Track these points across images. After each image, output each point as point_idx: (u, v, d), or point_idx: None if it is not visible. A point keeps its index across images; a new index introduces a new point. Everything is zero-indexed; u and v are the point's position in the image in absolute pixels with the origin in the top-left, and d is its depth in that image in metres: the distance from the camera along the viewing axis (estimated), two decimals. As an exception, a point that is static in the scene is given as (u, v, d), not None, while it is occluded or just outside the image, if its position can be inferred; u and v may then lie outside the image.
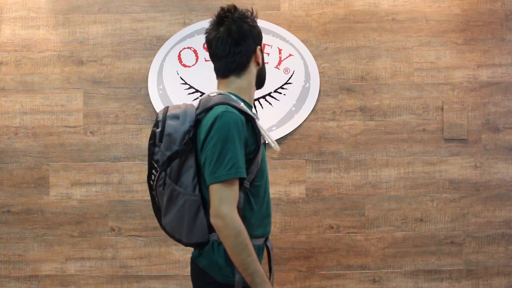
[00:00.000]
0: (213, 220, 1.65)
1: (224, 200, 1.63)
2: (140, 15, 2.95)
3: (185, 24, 2.94)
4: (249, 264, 1.65)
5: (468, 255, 2.88)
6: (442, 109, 2.90)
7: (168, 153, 1.72)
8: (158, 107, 2.88)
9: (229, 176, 1.64)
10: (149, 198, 2.78)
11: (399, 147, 2.90)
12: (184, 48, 2.93)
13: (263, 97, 2.88)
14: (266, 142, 1.91)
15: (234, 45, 1.80)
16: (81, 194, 2.90)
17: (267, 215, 1.86)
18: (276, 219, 2.87)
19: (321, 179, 2.89)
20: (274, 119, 2.88)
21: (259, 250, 1.82)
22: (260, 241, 1.84)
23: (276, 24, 2.92)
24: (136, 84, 2.93)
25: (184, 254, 2.87)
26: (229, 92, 1.82)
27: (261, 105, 2.88)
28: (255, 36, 1.85)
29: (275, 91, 2.90)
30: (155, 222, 2.79)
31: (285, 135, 2.89)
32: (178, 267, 2.88)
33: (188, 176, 1.73)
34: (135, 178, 2.90)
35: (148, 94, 2.91)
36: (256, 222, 1.79)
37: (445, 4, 2.93)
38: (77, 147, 2.91)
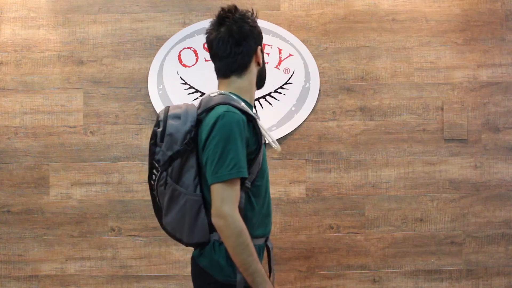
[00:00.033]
0: (214, 220, 1.65)
1: (226, 200, 1.63)
2: (140, 15, 2.95)
3: (185, 24, 2.94)
4: (250, 264, 1.65)
5: (468, 255, 2.88)
6: (442, 109, 2.90)
7: (170, 153, 1.72)
8: (158, 107, 2.88)
9: (231, 176, 1.64)
10: (149, 198, 2.79)
11: (399, 147, 2.90)
12: (184, 48, 2.93)
13: (263, 97, 2.89)
14: (267, 142, 1.91)
15: (235, 46, 1.80)
16: (81, 194, 2.90)
17: (268, 215, 1.86)
18: (276, 219, 2.87)
19: (321, 179, 2.89)
20: (274, 119, 2.88)
21: (259, 250, 1.82)
22: (261, 241, 1.84)
23: (276, 24, 2.92)
24: (136, 84, 2.93)
25: (184, 254, 2.87)
26: (230, 92, 1.82)
27: (261, 105, 2.88)
28: (256, 36, 1.85)
29: (275, 91, 2.90)
30: (155, 222, 2.79)
31: (285, 135, 2.89)
32: (178, 267, 2.88)
33: (189, 176, 1.73)
34: (135, 178, 2.90)
35: (148, 94, 2.91)
36: (257, 222, 1.79)
37: (445, 4, 2.93)
38: (77, 147, 2.91)
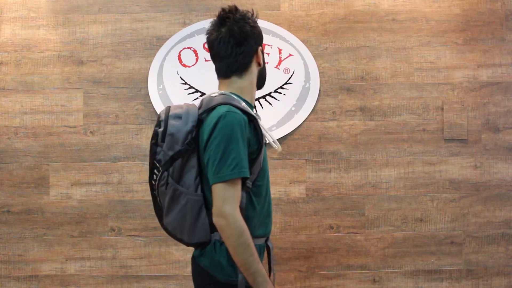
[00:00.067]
0: (215, 220, 1.65)
1: (227, 200, 1.64)
2: (140, 15, 2.95)
3: (185, 24, 2.94)
4: (251, 264, 1.65)
5: (468, 255, 2.88)
6: (442, 109, 2.90)
7: (171, 153, 1.73)
8: (158, 107, 2.88)
9: (233, 175, 1.64)
10: (149, 198, 2.80)
11: (399, 147, 2.90)
12: (184, 48, 2.93)
13: (263, 97, 2.89)
14: (267, 142, 1.91)
15: (236, 46, 1.80)
16: (81, 194, 2.90)
17: (268, 215, 1.87)
18: (276, 219, 2.87)
19: (321, 179, 2.89)
20: (274, 119, 2.89)
21: (260, 250, 1.82)
22: (261, 241, 1.85)
23: (276, 24, 2.92)
24: (136, 84, 2.92)
25: (184, 254, 2.87)
26: (231, 93, 1.82)
27: (261, 105, 2.88)
28: (257, 37, 1.86)
29: (275, 91, 2.90)
30: (155, 222, 2.79)
31: (285, 135, 2.89)
32: (178, 267, 2.88)
33: (190, 176, 1.73)
34: (135, 178, 2.90)
35: (148, 94, 2.91)
36: (258, 221, 1.80)
37: (445, 4, 2.93)
38: (77, 147, 2.91)
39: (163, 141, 1.74)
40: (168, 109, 1.80)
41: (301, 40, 2.91)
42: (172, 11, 2.95)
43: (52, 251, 2.89)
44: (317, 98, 2.90)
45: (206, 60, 2.91)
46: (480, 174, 2.89)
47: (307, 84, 2.90)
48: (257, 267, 1.66)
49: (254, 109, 1.91)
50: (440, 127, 2.90)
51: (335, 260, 2.88)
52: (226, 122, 1.67)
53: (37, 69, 2.93)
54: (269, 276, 1.92)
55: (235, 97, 1.80)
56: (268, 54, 2.90)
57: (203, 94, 2.88)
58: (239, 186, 1.67)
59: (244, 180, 1.71)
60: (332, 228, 2.88)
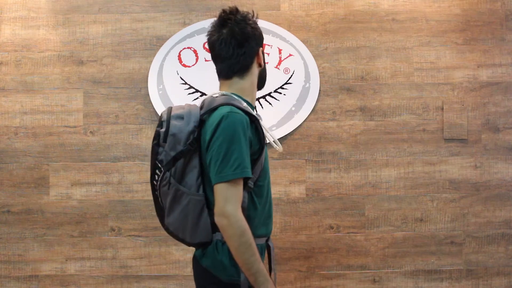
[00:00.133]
0: (217, 219, 1.65)
1: (229, 200, 1.64)
2: (140, 15, 2.95)
3: (185, 24, 2.94)
4: (252, 264, 1.65)
5: (468, 255, 2.89)
6: (442, 109, 2.90)
7: (173, 153, 1.73)
8: (158, 107, 2.88)
9: (235, 176, 1.65)
10: (149, 198, 2.80)
11: (399, 147, 2.90)
12: (184, 48, 2.93)
13: (263, 97, 2.89)
14: (268, 142, 1.91)
15: (238, 47, 1.81)
16: (81, 194, 2.89)
17: (269, 215, 1.88)
18: (276, 219, 2.87)
19: (321, 179, 2.89)
20: (274, 119, 2.89)
21: (261, 249, 1.83)
22: (262, 241, 1.85)
23: (276, 24, 2.92)
24: (136, 84, 2.92)
25: (184, 254, 2.87)
26: (232, 93, 1.82)
27: (261, 105, 2.88)
28: (257, 38, 1.86)
29: (275, 91, 2.90)
30: (155, 222, 2.79)
31: (285, 135, 2.89)
32: (178, 267, 2.88)
33: (192, 176, 1.74)
34: (135, 178, 2.90)
35: (148, 94, 2.91)
36: (259, 221, 1.81)
37: (445, 4, 2.94)
38: (77, 147, 2.91)
39: (165, 141, 1.75)
40: (170, 109, 1.80)
41: (301, 40, 2.91)
42: (172, 11, 2.95)
43: (52, 251, 2.89)
44: (317, 98, 2.90)
45: (206, 60, 2.91)
46: (480, 174, 2.90)
47: (307, 84, 2.90)
48: (259, 267, 1.67)
49: (255, 110, 1.91)
50: (440, 127, 2.90)
51: (335, 260, 2.88)
52: (228, 122, 1.68)
53: (37, 69, 2.93)
54: (270, 275, 1.92)
55: (236, 97, 1.80)
56: (268, 54, 2.90)
57: (203, 94, 2.88)
58: (241, 186, 1.68)
59: (245, 180, 1.71)
60: (332, 228, 2.89)
